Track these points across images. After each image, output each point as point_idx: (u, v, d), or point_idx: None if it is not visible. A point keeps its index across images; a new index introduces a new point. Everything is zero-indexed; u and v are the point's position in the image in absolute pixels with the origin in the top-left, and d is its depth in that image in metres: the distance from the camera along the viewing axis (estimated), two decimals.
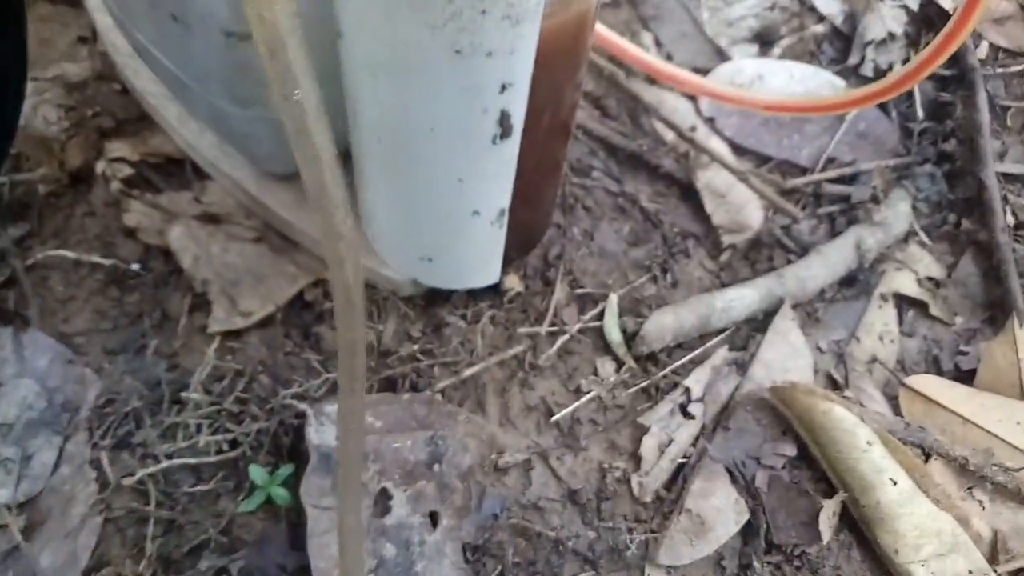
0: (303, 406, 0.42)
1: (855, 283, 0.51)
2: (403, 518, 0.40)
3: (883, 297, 0.51)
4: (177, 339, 0.46)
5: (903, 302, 0.52)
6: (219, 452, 0.43)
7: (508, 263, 0.45)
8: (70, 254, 0.47)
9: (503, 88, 0.31)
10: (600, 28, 0.57)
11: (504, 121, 0.33)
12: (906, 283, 0.52)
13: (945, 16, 0.61)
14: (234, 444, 0.43)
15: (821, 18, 0.62)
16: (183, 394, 0.44)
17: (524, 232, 0.46)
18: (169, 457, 0.42)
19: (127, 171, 0.48)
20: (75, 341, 0.46)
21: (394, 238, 0.44)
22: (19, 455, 0.42)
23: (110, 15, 0.51)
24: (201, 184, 0.50)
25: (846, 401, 0.44)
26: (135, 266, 0.48)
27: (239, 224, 0.48)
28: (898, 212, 0.53)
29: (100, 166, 0.48)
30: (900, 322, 0.51)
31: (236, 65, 0.38)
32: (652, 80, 0.58)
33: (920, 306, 0.51)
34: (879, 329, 0.50)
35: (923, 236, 0.54)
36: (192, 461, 0.42)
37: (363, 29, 0.31)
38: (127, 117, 0.51)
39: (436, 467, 0.41)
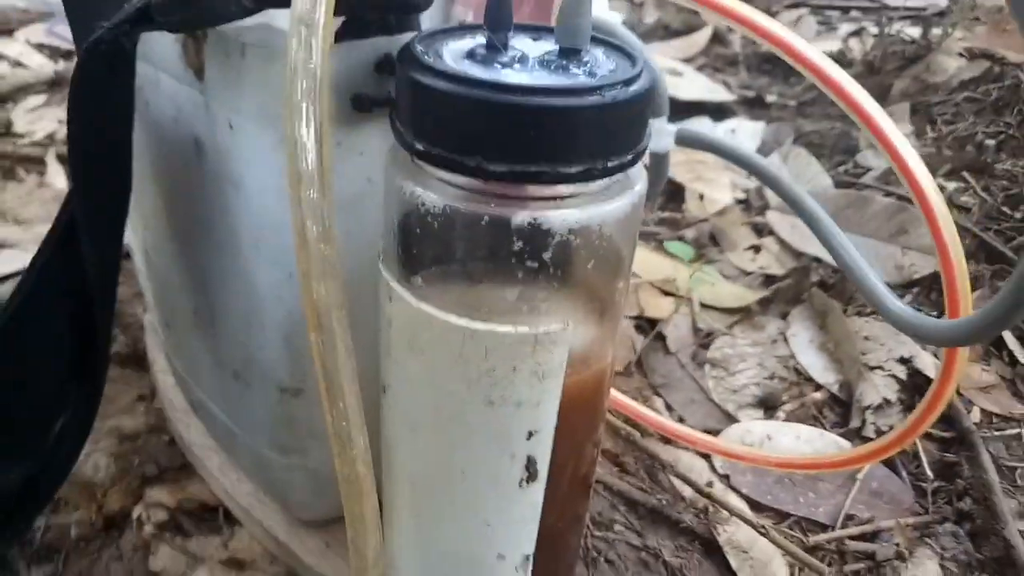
0: None
1: None
2: None
3: None
4: None
5: None
6: None
7: None
8: None
9: (530, 435, 0.34)
10: (616, 393, 0.62)
11: (531, 466, 0.35)
12: None
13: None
14: None
15: (819, 386, 0.68)
16: None
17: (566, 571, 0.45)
18: None
19: (162, 516, 0.50)
20: None
21: None
22: None
23: (172, 374, 0.57)
24: (231, 531, 0.51)
25: None
26: None
27: (262, 571, 0.47)
28: (928, 571, 0.52)
29: (137, 510, 0.50)
30: None
31: (285, 417, 0.42)
32: (667, 440, 0.61)
33: None
34: None
35: None
36: None
37: (407, 384, 0.35)
38: (170, 466, 0.54)
39: None
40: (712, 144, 0.51)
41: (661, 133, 0.51)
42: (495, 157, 0.26)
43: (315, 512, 0.47)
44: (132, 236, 0.52)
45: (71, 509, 0.51)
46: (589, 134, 0.26)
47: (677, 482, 0.58)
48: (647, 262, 0.82)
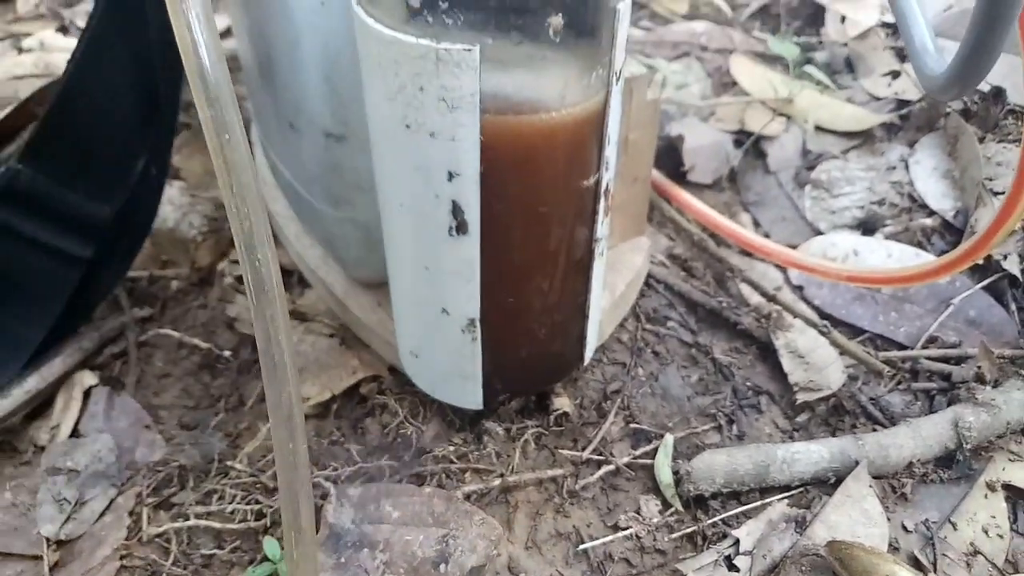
0: (328, 485, 0.42)
1: (953, 465, 0.45)
2: None
3: (990, 486, 0.44)
4: (243, 421, 0.49)
5: (1018, 498, 0.44)
6: (243, 520, 0.43)
7: (509, 393, 0.44)
8: (175, 334, 0.53)
9: (451, 176, 0.33)
10: (691, 199, 0.60)
11: (457, 213, 0.35)
12: (1022, 477, 0.45)
13: None
14: (260, 515, 0.43)
15: (932, 213, 0.61)
16: (228, 463, 0.46)
17: (539, 361, 0.44)
18: (198, 517, 0.43)
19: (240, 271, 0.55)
20: (159, 412, 0.50)
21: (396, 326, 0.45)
22: (75, 498, 0.45)
23: (260, 147, 0.61)
24: (301, 291, 0.55)
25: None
26: (227, 353, 0.52)
27: (321, 323, 0.51)
28: (1012, 399, 0.47)
29: (222, 265, 0.55)
30: (1013, 519, 0.43)
31: (332, 165, 0.44)
32: (746, 253, 0.58)
33: None
34: (983, 520, 0.43)
35: None
36: (217, 525, 0.43)
37: (368, 112, 0.36)
38: None
39: (443, 567, 0.39)
40: None
41: None
42: None
43: (368, 271, 0.49)
44: None
45: (172, 266, 0.58)
46: None
47: (745, 289, 0.55)
48: (752, 75, 0.76)
